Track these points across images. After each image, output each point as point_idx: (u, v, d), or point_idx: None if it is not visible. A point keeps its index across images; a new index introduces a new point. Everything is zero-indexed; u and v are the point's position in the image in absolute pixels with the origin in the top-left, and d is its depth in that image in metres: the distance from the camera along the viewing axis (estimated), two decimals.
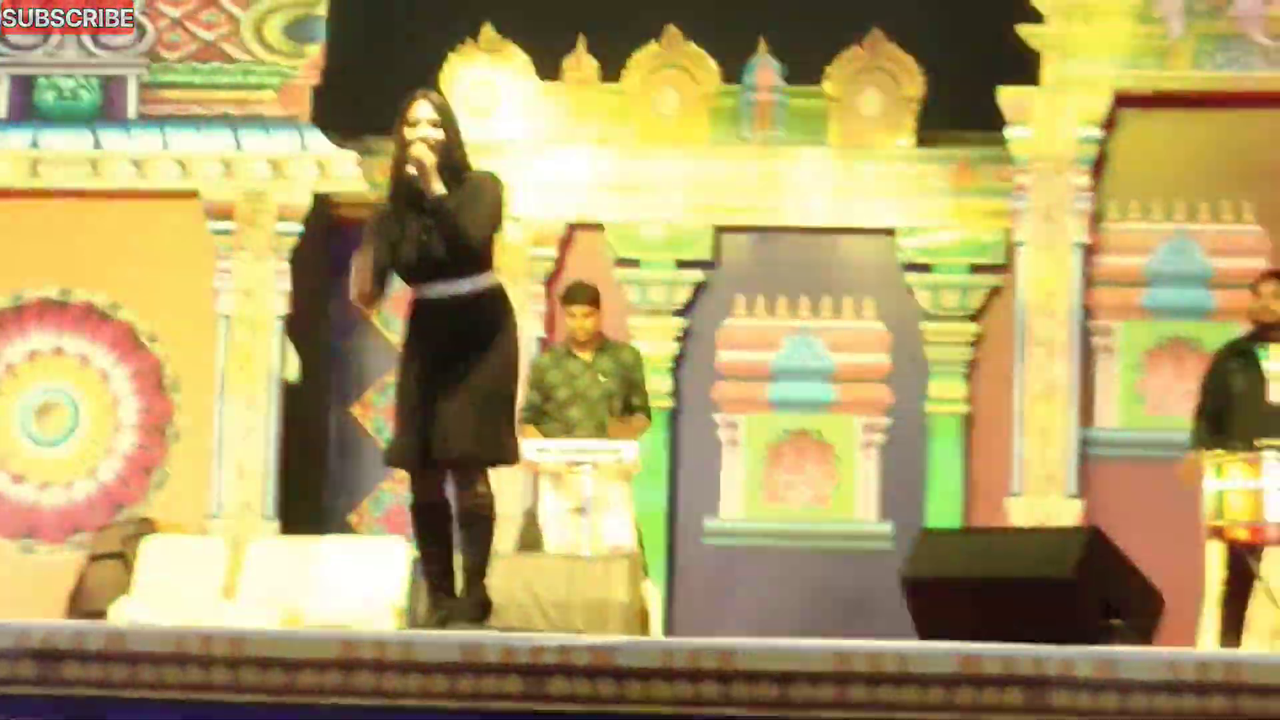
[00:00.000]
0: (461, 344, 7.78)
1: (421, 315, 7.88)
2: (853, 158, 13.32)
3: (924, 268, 13.27)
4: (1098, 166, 13.03)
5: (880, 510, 13.18)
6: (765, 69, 13.50)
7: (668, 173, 13.46)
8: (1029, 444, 12.89)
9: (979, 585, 8.57)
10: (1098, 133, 12.95)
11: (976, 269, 13.19)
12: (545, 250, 13.62)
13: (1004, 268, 13.14)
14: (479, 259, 7.88)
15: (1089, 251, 12.99)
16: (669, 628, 12.57)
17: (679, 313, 13.45)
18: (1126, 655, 6.72)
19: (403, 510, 12.83)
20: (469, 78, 13.80)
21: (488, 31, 13.81)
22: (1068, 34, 13.03)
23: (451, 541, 8.02)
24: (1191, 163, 13.08)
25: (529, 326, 13.17)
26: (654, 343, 13.19)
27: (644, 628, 10.40)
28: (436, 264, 7.78)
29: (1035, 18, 12.99)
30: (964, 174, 13.16)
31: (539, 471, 11.18)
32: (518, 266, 13.44)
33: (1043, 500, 12.70)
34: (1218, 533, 9.96)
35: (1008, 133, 12.90)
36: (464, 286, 7.77)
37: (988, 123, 13.10)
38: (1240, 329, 10.89)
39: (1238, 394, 10.37)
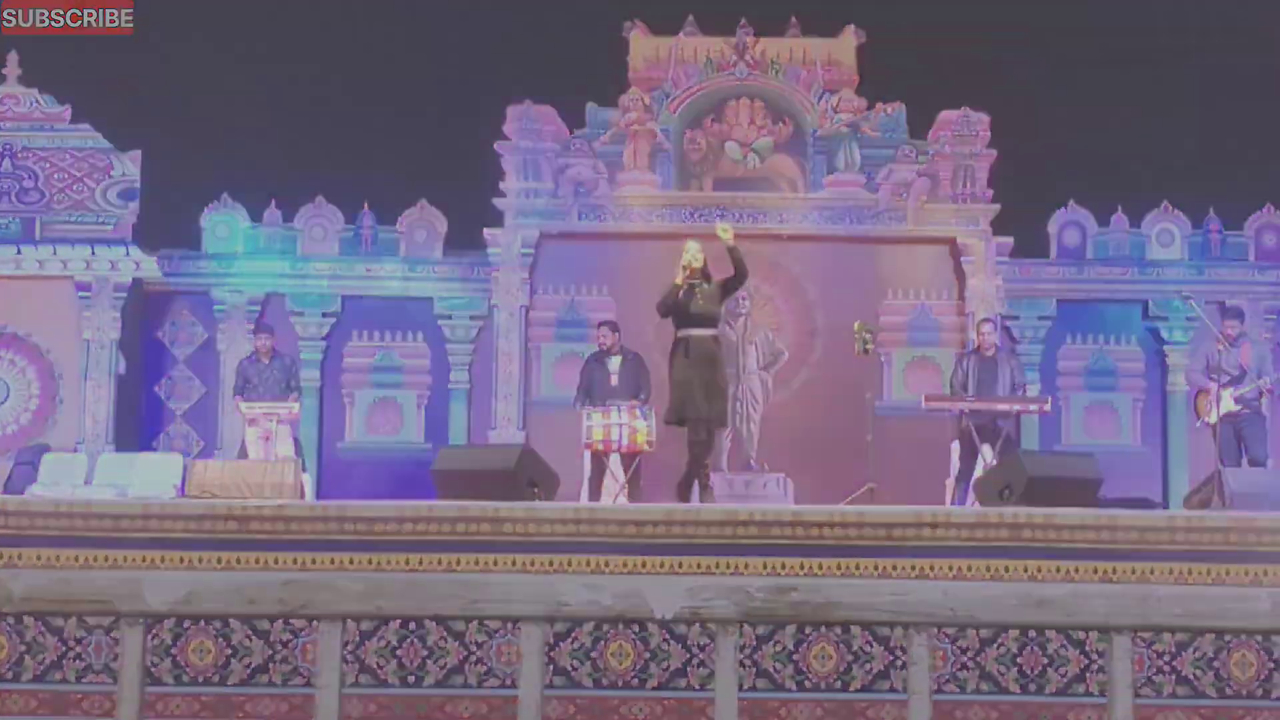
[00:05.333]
0: (710, 360, 9.36)
1: (689, 341, 9.32)
2: (415, 265, 14.59)
3: (447, 316, 14.50)
4: (532, 268, 14.41)
5: (425, 436, 14.35)
6: (367, 217, 14.67)
7: (319, 272, 14.57)
8: (499, 403, 14.22)
9: (468, 474, 9.13)
10: (532, 251, 14.40)
11: (474, 318, 14.50)
12: (254, 308, 14.42)
13: (487, 316, 14.39)
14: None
15: (528, 309, 14.40)
16: (318, 497, 12.93)
17: (325, 338, 14.51)
18: (542, 506, 8.27)
19: (181, 435, 13.72)
20: (221, 224, 14.62)
21: (226, 197, 14.55)
22: (518, 204, 14.40)
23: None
24: (578, 265, 14.48)
25: (244, 346, 13.88)
26: (312, 354, 14.32)
27: (303, 498, 10.93)
28: (699, 318, 9.38)
29: (502, 195, 14.38)
30: (467, 271, 14.51)
31: (248, 418, 12.21)
32: (240, 313, 14.35)
33: (506, 431, 13.96)
34: (589, 447, 11.31)
35: (489, 250, 14.34)
36: (711, 330, 9.46)
37: (478, 245, 14.45)
38: (599, 347, 12.09)
39: (595, 379, 11.80)
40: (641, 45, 14.86)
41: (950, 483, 12.20)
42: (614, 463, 11.40)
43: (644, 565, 7.75)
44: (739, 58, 14.84)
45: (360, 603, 2.88)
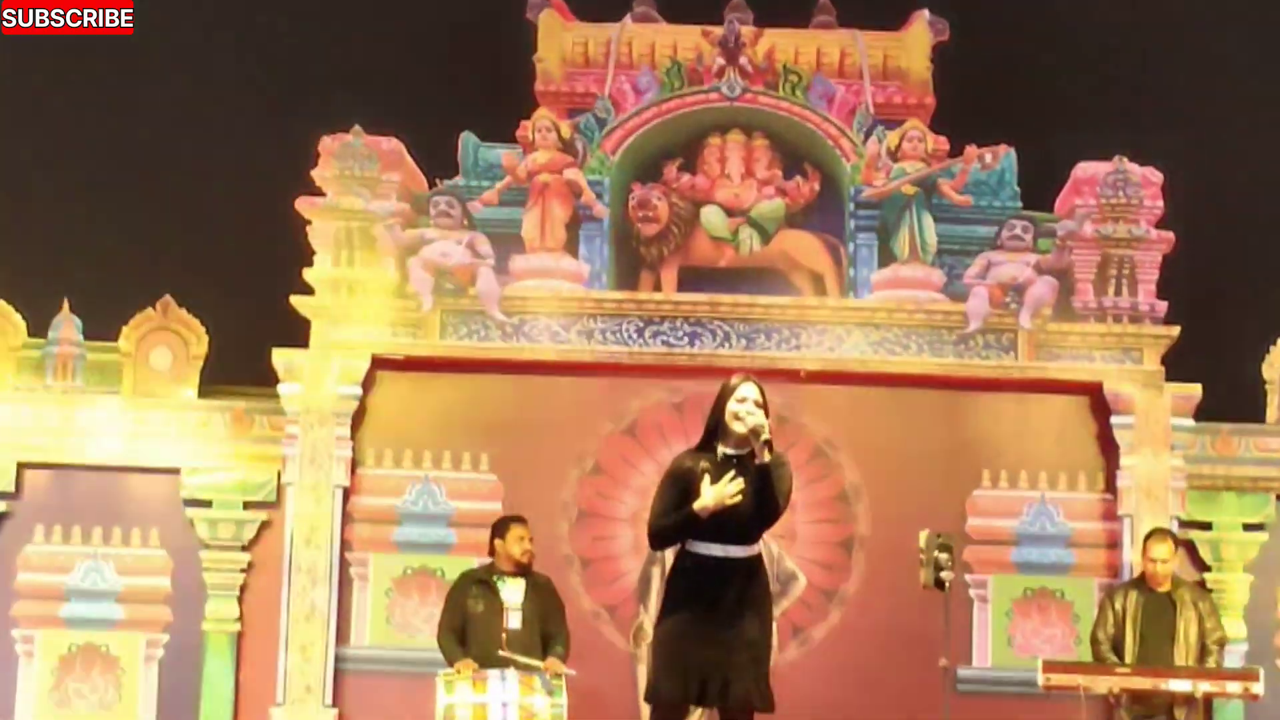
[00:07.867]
0: (740, 602, 8.35)
1: (704, 569, 8.37)
2: (142, 406, 14.40)
3: (204, 503, 14.26)
4: (356, 419, 14.36)
5: (159, 717, 14.12)
6: (68, 325, 14.58)
7: None
8: (292, 659, 14.02)
9: None
10: (357, 390, 14.28)
11: (249, 505, 14.29)
12: None
13: (274, 504, 14.28)
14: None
15: (348, 493, 14.29)
16: None
17: None
18: None
19: None
20: None
21: None
22: (334, 305, 14.30)
23: None
24: (437, 418, 14.42)
25: None
26: None
27: None
28: (738, 525, 8.33)
29: (307, 290, 14.28)
30: (240, 423, 14.37)
31: None
32: None
33: (303, 709, 13.85)
34: None
35: (280, 388, 14.22)
36: (754, 550, 8.44)
37: (263, 379, 14.37)
38: (478, 561, 12.28)
39: (476, 618, 11.59)
40: (559, 36, 15.01)
41: None
42: None
43: None
44: (728, 61, 14.82)
45: None
